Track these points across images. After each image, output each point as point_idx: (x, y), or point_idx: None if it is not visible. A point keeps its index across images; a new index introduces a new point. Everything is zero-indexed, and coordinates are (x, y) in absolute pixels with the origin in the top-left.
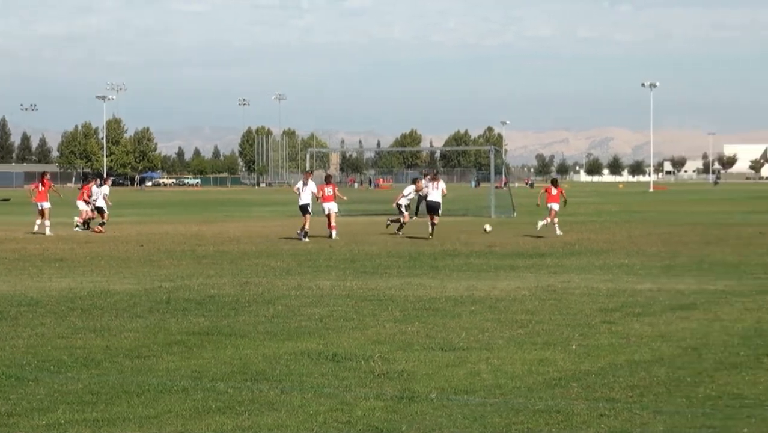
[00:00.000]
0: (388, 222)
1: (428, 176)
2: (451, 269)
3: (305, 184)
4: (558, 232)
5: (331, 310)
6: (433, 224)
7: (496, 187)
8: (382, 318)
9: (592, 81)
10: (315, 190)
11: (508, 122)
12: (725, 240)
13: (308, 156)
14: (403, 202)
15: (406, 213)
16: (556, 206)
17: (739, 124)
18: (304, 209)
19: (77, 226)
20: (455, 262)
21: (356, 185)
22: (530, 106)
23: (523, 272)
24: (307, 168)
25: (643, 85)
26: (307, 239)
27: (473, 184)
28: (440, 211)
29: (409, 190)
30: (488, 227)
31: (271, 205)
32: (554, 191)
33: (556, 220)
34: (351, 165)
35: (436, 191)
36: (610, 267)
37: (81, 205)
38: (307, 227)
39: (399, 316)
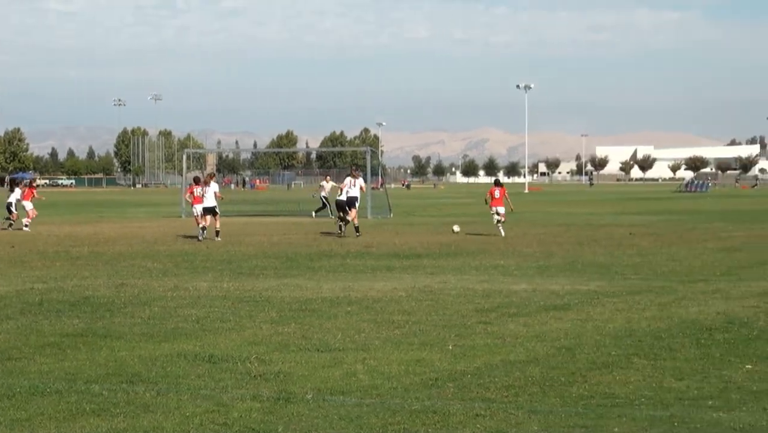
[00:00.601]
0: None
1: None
2: (327, 270)
3: (207, 185)
4: (502, 233)
5: (208, 311)
6: (346, 221)
7: (373, 188)
8: (259, 319)
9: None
10: (218, 191)
11: (384, 123)
12: (597, 241)
13: (185, 157)
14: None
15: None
16: (501, 209)
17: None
18: (210, 211)
19: None
20: (331, 263)
21: (232, 186)
22: (407, 107)
23: (399, 272)
24: (184, 167)
25: (518, 86)
26: (202, 236)
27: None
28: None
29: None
30: (456, 228)
31: (147, 206)
32: (497, 193)
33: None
34: (227, 166)
35: (353, 188)
36: (486, 268)
37: None
38: (206, 224)
39: (275, 317)
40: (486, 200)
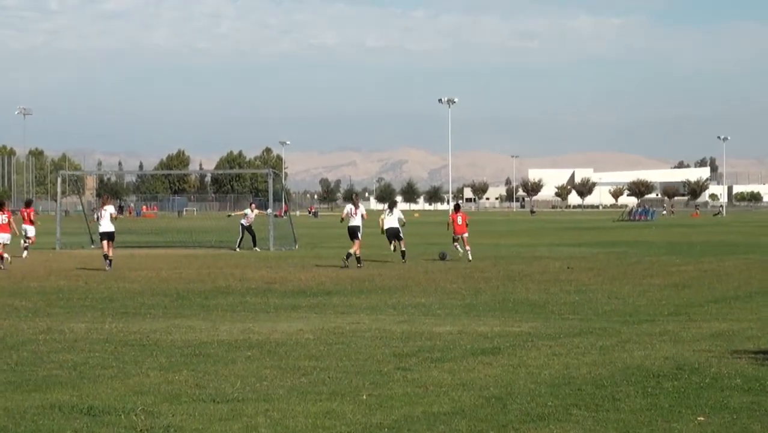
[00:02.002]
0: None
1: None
2: (224, 309)
3: (103, 208)
4: (470, 257)
5: (87, 356)
6: (350, 254)
7: (276, 216)
8: (146, 366)
9: (383, 96)
10: (114, 212)
11: (288, 142)
12: (530, 276)
13: (59, 180)
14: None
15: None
16: (466, 235)
17: (545, 146)
18: (108, 236)
19: None
20: (229, 301)
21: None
22: (314, 124)
23: (306, 312)
24: (59, 191)
25: (440, 101)
26: (109, 266)
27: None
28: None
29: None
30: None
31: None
32: (460, 219)
33: (468, 247)
34: (109, 190)
35: (356, 217)
36: (405, 306)
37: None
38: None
39: (165, 363)
40: (448, 226)
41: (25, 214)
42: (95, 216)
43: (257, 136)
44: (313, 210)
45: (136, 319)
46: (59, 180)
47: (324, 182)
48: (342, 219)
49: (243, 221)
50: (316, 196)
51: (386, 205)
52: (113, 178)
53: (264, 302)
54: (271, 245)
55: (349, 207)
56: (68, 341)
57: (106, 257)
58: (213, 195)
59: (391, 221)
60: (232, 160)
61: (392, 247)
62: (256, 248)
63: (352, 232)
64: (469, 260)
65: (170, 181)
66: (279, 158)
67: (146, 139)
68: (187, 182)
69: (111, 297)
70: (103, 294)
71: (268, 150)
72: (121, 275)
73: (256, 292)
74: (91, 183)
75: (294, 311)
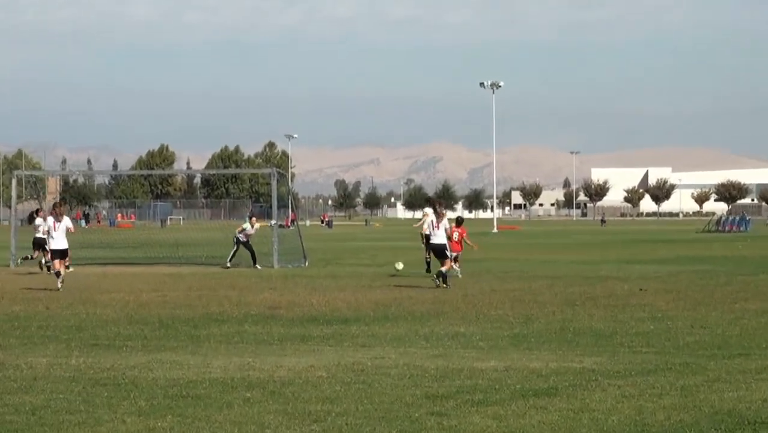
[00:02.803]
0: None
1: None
2: (217, 340)
3: (58, 221)
4: (458, 274)
5: (49, 398)
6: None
7: (281, 226)
8: (121, 410)
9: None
10: (71, 226)
11: (295, 136)
12: (594, 300)
13: (14, 182)
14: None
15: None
16: (455, 254)
17: (611, 140)
18: (61, 254)
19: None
20: (224, 330)
21: (83, 222)
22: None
23: (318, 344)
24: (13, 196)
25: (482, 85)
26: (61, 285)
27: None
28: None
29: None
30: (399, 265)
31: None
32: (456, 235)
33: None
34: (76, 194)
35: (439, 231)
36: (440, 337)
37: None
38: (61, 269)
39: (145, 407)
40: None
41: None
42: (43, 228)
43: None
44: (326, 219)
45: (110, 352)
46: (14, 182)
47: (340, 184)
48: (423, 234)
49: (239, 235)
50: (330, 202)
51: (428, 211)
52: (81, 180)
53: (266, 331)
54: (275, 261)
55: (430, 218)
56: (26, 380)
57: (58, 274)
58: (204, 201)
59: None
60: (227, 158)
61: (427, 266)
62: (257, 266)
63: (439, 251)
64: (458, 276)
65: (151, 183)
66: (284, 155)
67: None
68: (171, 185)
69: (78, 325)
70: (68, 322)
71: (271, 145)
72: (90, 297)
73: (257, 319)
74: (53, 185)
75: (303, 343)
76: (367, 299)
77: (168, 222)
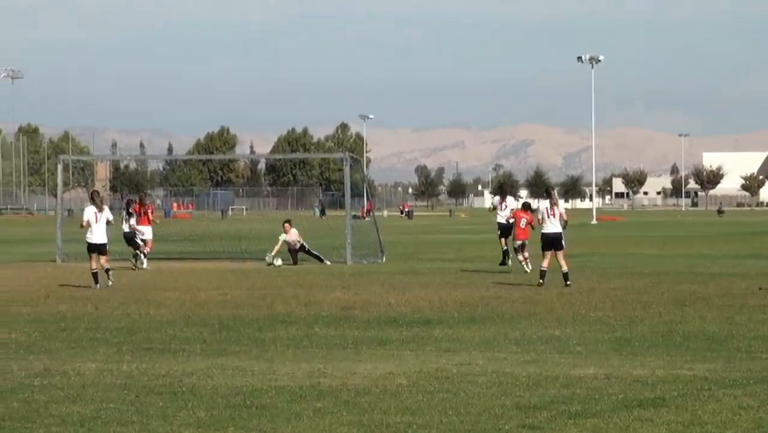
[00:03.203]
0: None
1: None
2: (284, 344)
3: (99, 210)
4: (527, 268)
5: (99, 408)
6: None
7: (355, 217)
8: (178, 421)
9: (500, 54)
10: (111, 219)
11: (371, 117)
12: (707, 300)
13: (60, 167)
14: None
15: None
16: (526, 242)
17: (724, 120)
18: (99, 249)
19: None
20: (291, 333)
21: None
22: (406, 92)
23: (397, 348)
24: (59, 183)
25: (579, 59)
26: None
27: (317, 212)
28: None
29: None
30: (277, 261)
31: (2, 244)
32: (523, 222)
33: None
34: (128, 181)
35: (553, 219)
36: (533, 341)
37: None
38: (98, 267)
39: (204, 417)
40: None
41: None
42: (84, 222)
43: (329, 108)
44: (406, 209)
45: (165, 357)
46: (59, 167)
47: (421, 171)
48: (534, 225)
49: (287, 238)
50: (410, 190)
51: (495, 200)
52: (133, 165)
53: (339, 334)
54: (349, 256)
55: (544, 205)
56: (73, 388)
57: (96, 275)
58: (269, 188)
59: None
60: (294, 142)
61: (519, 258)
62: (326, 261)
63: (553, 240)
64: (527, 270)
65: (210, 169)
66: (359, 138)
67: (178, 113)
68: (233, 171)
69: (131, 327)
70: (119, 323)
71: (343, 127)
72: (143, 296)
73: (329, 321)
74: (103, 171)
75: (381, 347)
76: (451, 298)
77: (229, 212)
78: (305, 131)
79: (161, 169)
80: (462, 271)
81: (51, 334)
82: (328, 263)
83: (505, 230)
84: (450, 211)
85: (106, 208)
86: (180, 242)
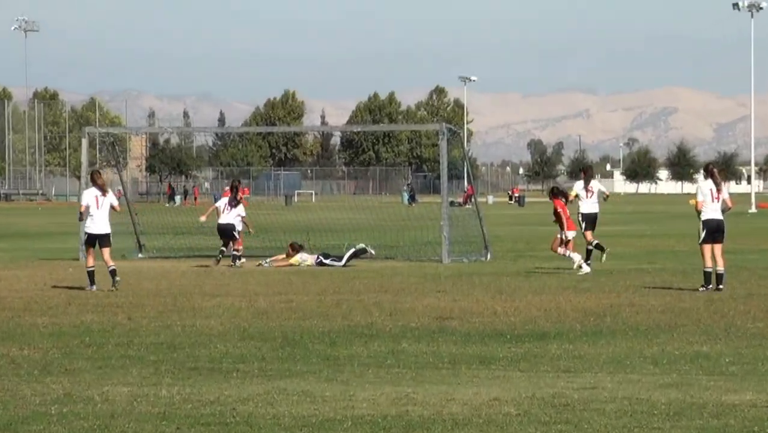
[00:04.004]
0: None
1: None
2: (364, 364)
3: (103, 194)
4: (575, 261)
5: None
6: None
7: (453, 204)
8: None
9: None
10: (117, 204)
11: (473, 79)
12: None
13: (84, 142)
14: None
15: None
16: (572, 234)
17: None
18: (102, 240)
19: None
20: (372, 349)
21: (177, 199)
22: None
23: (505, 368)
24: (84, 162)
25: (736, 6)
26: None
27: (406, 197)
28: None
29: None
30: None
31: (11, 239)
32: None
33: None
34: (168, 159)
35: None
36: (674, 359)
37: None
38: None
39: None
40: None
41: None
42: (83, 207)
43: (421, 69)
44: (516, 194)
45: (214, 379)
46: (84, 143)
47: (535, 146)
48: (698, 208)
49: (305, 260)
50: (521, 171)
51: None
52: (175, 140)
53: (432, 351)
54: (445, 253)
55: (707, 186)
56: (100, 418)
57: (92, 274)
58: (344, 169)
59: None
60: (377, 110)
61: (587, 254)
62: (371, 251)
63: (716, 229)
64: (575, 263)
65: (272, 144)
66: (458, 106)
67: (230, 75)
68: (300, 146)
69: (171, 342)
70: (157, 337)
71: (439, 92)
72: (187, 303)
73: (419, 334)
74: (138, 147)
75: (484, 367)
76: (572, 305)
77: (295, 198)
78: (391, 97)
79: (210, 144)
80: (590, 276)
81: (72, 350)
82: (373, 252)
83: (592, 220)
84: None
85: (110, 191)
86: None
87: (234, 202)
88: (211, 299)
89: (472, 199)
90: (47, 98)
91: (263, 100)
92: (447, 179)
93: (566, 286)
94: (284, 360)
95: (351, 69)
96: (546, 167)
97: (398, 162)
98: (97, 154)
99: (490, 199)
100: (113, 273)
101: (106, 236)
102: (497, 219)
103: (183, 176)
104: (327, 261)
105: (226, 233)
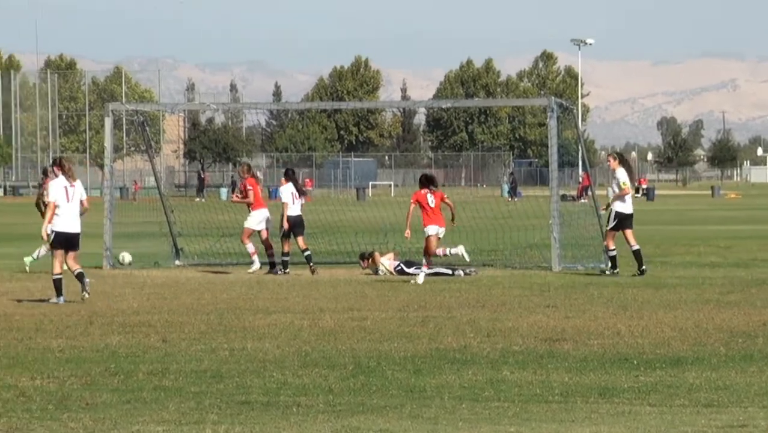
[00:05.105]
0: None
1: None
2: (455, 396)
3: (71, 184)
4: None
5: None
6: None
7: (564, 198)
8: None
9: None
10: (85, 198)
11: (589, 42)
12: None
13: (108, 121)
14: None
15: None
16: (441, 230)
17: None
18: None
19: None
20: (466, 378)
21: (224, 192)
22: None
23: (632, 401)
24: (108, 147)
25: None
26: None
27: (506, 189)
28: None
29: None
30: (125, 257)
31: (19, 242)
32: (431, 201)
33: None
34: (212, 143)
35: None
36: None
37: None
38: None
39: None
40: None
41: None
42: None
43: (524, 30)
44: (644, 185)
45: (270, 415)
46: (108, 122)
47: (668, 126)
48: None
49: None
50: (650, 157)
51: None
52: (220, 119)
53: (539, 380)
54: (555, 259)
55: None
56: None
57: (59, 282)
58: (430, 155)
59: None
60: (470, 81)
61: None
62: (459, 272)
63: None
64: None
65: (340, 124)
66: (569, 75)
67: (286, 37)
68: (375, 127)
69: (216, 370)
70: (199, 364)
71: (546, 58)
72: (235, 322)
73: (524, 359)
74: (174, 128)
75: (605, 400)
76: (714, 324)
77: (369, 190)
78: (488, 65)
79: (263, 125)
80: (731, 283)
81: (95, 380)
82: (474, 270)
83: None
84: (712, 188)
85: (78, 182)
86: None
87: (302, 190)
88: (266, 317)
89: (589, 192)
90: (62, 68)
91: (328, 69)
92: (557, 167)
93: (707, 299)
94: (356, 392)
95: (437, 30)
96: (681, 152)
97: (497, 146)
98: (124, 137)
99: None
100: (81, 276)
101: (77, 236)
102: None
103: (230, 164)
104: (410, 270)
105: (301, 224)
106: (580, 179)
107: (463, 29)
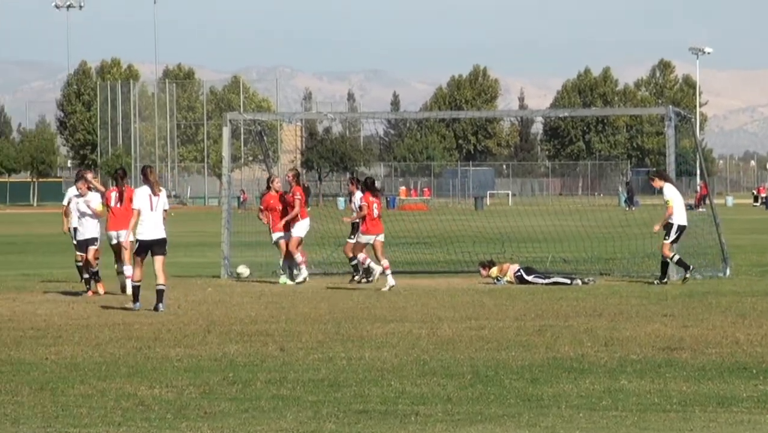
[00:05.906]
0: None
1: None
2: (573, 405)
3: (155, 194)
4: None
5: None
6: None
7: (692, 208)
8: None
9: None
10: (168, 207)
11: (708, 51)
12: None
13: (226, 131)
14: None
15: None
16: (381, 238)
17: None
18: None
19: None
20: (583, 387)
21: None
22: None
23: (751, 410)
24: (226, 157)
25: None
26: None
27: (623, 198)
28: None
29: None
30: (244, 271)
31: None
32: (376, 209)
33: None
34: (329, 153)
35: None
36: None
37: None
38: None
39: None
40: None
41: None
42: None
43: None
44: (763, 194)
45: (389, 424)
46: (226, 132)
47: None
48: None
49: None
50: None
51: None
52: (337, 128)
53: (657, 389)
54: (673, 269)
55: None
56: None
57: (136, 290)
58: (548, 163)
59: None
60: (587, 90)
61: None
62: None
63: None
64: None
65: (458, 133)
66: (688, 84)
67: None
68: (493, 136)
69: (334, 379)
70: (317, 373)
71: (664, 66)
72: (353, 331)
73: (642, 368)
74: (291, 138)
75: (724, 409)
76: None
77: (486, 200)
78: (606, 74)
79: (381, 134)
80: None
81: (213, 389)
82: (590, 281)
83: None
84: None
85: (163, 191)
86: (411, 246)
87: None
88: (384, 326)
89: (707, 201)
90: (181, 77)
91: (447, 78)
92: (675, 176)
93: None
94: (474, 401)
95: (555, 40)
96: None
97: (614, 155)
98: (242, 147)
99: (730, 200)
100: (160, 294)
101: (162, 241)
102: (739, 225)
103: (347, 173)
104: (529, 278)
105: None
106: (698, 188)
107: (580, 38)
